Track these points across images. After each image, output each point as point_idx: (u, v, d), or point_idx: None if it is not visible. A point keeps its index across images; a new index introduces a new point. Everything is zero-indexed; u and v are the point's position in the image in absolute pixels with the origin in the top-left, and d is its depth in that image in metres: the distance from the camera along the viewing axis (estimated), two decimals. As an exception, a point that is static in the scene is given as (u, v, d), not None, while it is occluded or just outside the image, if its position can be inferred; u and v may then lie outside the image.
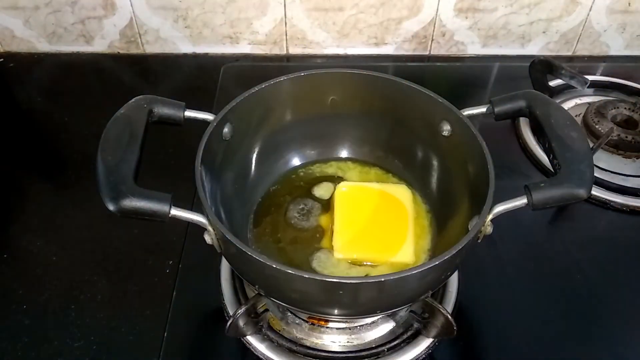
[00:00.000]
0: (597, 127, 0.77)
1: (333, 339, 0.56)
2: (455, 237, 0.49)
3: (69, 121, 0.82)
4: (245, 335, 0.54)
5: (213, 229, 0.46)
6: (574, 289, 0.62)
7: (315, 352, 0.55)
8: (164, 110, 0.52)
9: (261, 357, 0.54)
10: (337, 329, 0.56)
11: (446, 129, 0.58)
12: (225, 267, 0.60)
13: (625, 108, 0.81)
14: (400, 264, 0.57)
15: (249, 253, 0.43)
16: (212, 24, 0.91)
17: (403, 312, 0.55)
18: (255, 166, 0.63)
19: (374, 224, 0.61)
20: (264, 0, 0.87)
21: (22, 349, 0.55)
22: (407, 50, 0.96)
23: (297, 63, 0.94)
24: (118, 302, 0.59)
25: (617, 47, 0.97)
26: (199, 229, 0.46)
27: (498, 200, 0.47)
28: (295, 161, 0.67)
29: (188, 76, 0.92)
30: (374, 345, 0.55)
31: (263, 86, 0.58)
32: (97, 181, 0.44)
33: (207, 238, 0.47)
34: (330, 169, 0.67)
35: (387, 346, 0.55)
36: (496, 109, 0.54)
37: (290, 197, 0.64)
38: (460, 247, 0.44)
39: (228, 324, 0.50)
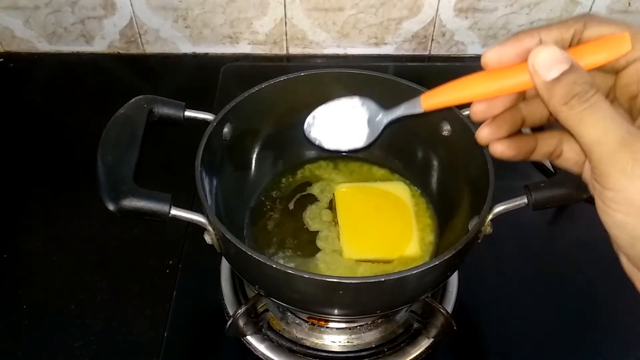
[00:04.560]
0: (597, 127, 0.77)
1: (333, 339, 0.56)
2: (455, 237, 0.49)
3: (69, 121, 0.82)
4: (245, 335, 0.54)
5: (213, 229, 0.46)
6: (574, 289, 0.62)
7: (315, 352, 0.55)
8: (164, 110, 0.52)
9: (261, 357, 0.54)
10: (337, 329, 0.56)
11: (446, 129, 0.58)
12: (225, 267, 0.60)
13: (625, 108, 0.80)
14: (408, 258, 0.57)
15: (249, 253, 0.43)
16: (212, 24, 0.91)
17: (403, 312, 0.55)
18: (255, 166, 0.63)
19: (377, 221, 0.61)
20: (264, 0, 0.87)
21: (22, 349, 0.55)
22: (407, 50, 0.96)
23: (297, 63, 0.94)
24: (118, 302, 0.59)
25: (617, 47, 0.97)
26: (199, 229, 0.47)
27: (498, 200, 0.47)
28: (296, 161, 0.67)
29: (188, 76, 0.92)
30: (374, 345, 0.55)
31: (263, 86, 0.58)
32: (97, 181, 0.44)
33: (207, 238, 0.47)
34: (332, 168, 0.67)
35: (387, 346, 0.55)
36: (496, 109, 0.54)
37: (291, 196, 0.64)
38: (460, 247, 0.44)
39: (228, 324, 0.50)
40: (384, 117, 0.41)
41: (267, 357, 0.54)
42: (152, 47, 0.93)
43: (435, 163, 0.62)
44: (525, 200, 0.46)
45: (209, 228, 0.46)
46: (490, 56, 0.32)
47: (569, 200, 0.47)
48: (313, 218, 0.62)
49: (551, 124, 0.35)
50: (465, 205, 0.55)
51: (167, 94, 0.54)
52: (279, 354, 0.54)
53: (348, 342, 0.56)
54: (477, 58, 0.32)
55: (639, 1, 0.90)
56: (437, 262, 0.43)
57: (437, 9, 0.90)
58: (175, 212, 0.45)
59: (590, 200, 0.74)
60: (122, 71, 0.92)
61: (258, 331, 0.55)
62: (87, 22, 0.90)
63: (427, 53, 0.96)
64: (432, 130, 0.59)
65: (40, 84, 0.89)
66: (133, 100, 0.52)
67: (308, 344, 0.55)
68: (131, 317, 0.58)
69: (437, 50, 0.96)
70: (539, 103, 0.34)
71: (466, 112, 0.55)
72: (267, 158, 0.64)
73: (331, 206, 0.63)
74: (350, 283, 0.43)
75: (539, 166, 0.76)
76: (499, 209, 0.47)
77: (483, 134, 0.34)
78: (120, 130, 0.48)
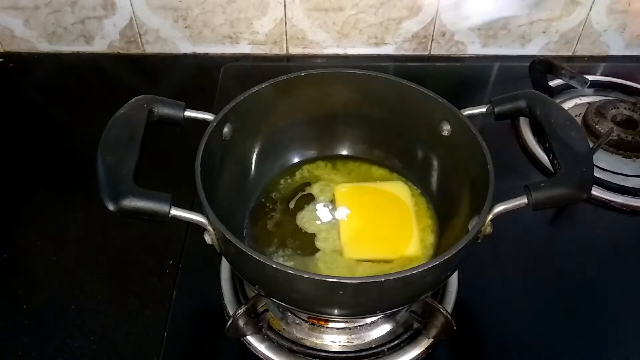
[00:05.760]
0: (597, 127, 0.77)
1: (333, 339, 0.56)
2: (455, 237, 0.49)
3: (69, 121, 0.82)
4: (245, 335, 0.54)
5: (213, 229, 0.46)
6: (574, 289, 0.62)
7: (315, 352, 0.55)
8: (164, 110, 0.52)
9: (261, 357, 0.54)
10: (337, 329, 0.56)
11: (446, 129, 0.58)
12: (225, 267, 0.60)
13: (625, 108, 0.81)
14: (408, 258, 0.57)
15: (249, 253, 0.43)
16: (212, 24, 0.91)
17: (403, 312, 0.55)
18: (255, 166, 0.63)
19: (377, 221, 0.61)
20: (264, 0, 0.87)
21: (22, 349, 0.55)
22: (407, 50, 0.96)
23: (297, 63, 0.94)
24: (118, 302, 0.59)
25: (617, 47, 0.97)
26: (199, 229, 0.46)
27: (498, 200, 0.47)
28: (295, 161, 0.67)
29: (188, 76, 0.92)
30: (374, 345, 0.55)
31: (263, 86, 0.58)
32: (97, 181, 0.44)
33: (207, 238, 0.47)
34: (331, 168, 0.67)
35: (387, 346, 0.55)
36: (496, 109, 0.54)
37: (291, 196, 0.64)
38: (460, 247, 0.44)
39: (228, 324, 0.50)
40: None
41: (267, 357, 0.54)
42: (152, 47, 0.93)
43: (435, 163, 0.62)
44: (525, 200, 0.46)
45: (209, 228, 0.46)
46: None
47: (569, 200, 0.47)
48: (315, 218, 0.62)
49: None
50: (465, 205, 0.55)
51: (167, 94, 0.54)
52: (279, 354, 0.54)
53: (348, 342, 0.56)
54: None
55: (639, 1, 0.90)
56: (437, 262, 0.43)
57: (437, 9, 0.90)
58: (175, 212, 0.45)
59: (591, 200, 0.74)
60: (122, 71, 0.92)
61: (258, 331, 0.55)
62: (87, 22, 0.90)
63: (427, 53, 0.96)
64: (432, 130, 0.59)
65: (40, 84, 0.89)
66: (133, 100, 0.52)
67: (308, 344, 0.55)
68: (131, 317, 0.58)
69: (437, 50, 0.96)
70: None
71: (466, 112, 0.55)
72: (267, 158, 0.64)
73: (332, 207, 0.63)
74: (350, 283, 0.43)
75: (539, 166, 0.76)
76: (499, 209, 0.47)
77: None
78: (120, 130, 0.48)
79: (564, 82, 0.84)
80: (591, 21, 0.93)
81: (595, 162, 0.50)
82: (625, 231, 0.69)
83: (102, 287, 0.60)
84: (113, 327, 0.57)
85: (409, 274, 0.42)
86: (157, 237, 0.65)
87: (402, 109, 0.61)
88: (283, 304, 0.51)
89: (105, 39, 0.92)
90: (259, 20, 0.90)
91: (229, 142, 0.56)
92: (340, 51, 0.95)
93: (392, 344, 0.55)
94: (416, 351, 0.54)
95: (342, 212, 0.61)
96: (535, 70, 0.85)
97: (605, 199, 0.70)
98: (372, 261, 0.57)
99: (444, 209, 0.61)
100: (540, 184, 0.46)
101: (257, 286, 0.49)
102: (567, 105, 0.85)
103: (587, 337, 0.58)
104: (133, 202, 0.43)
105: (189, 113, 0.53)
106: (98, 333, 0.56)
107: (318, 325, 0.56)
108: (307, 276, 0.42)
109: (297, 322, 0.56)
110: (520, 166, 0.76)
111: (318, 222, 0.61)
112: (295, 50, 0.95)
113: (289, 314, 0.56)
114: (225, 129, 0.56)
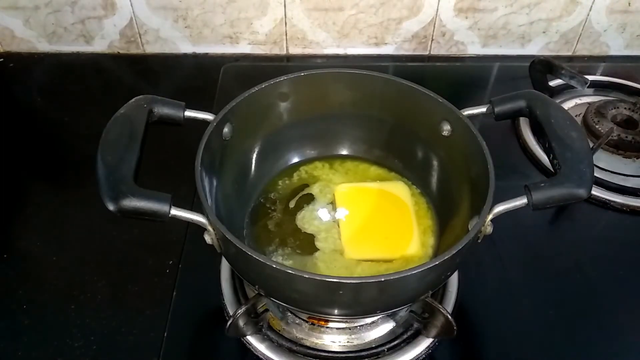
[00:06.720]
0: (597, 127, 0.77)
1: (333, 339, 0.56)
2: (455, 237, 0.49)
3: (69, 121, 0.82)
4: (245, 335, 0.54)
5: (213, 229, 0.46)
6: (574, 289, 0.62)
7: (315, 352, 0.55)
8: (164, 110, 0.52)
9: (261, 357, 0.54)
10: (337, 329, 0.56)
11: (446, 129, 0.58)
12: (225, 267, 0.60)
13: (625, 108, 0.81)
14: (409, 258, 0.57)
15: (249, 253, 0.43)
16: (212, 24, 0.91)
17: (403, 312, 0.55)
18: (255, 166, 0.63)
19: (378, 222, 0.61)
20: (264, 0, 0.87)
21: (22, 349, 0.55)
22: (407, 50, 0.96)
23: (297, 63, 0.94)
24: (118, 302, 0.59)
25: (617, 47, 0.97)
26: (199, 229, 0.46)
27: (498, 200, 0.47)
28: (295, 161, 0.67)
29: (188, 76, 0.92)
30: (374, 345, 0.55)
31: (263, 86, 0.58)
32: (97, 181, 0.44)
33: (207, 238, 0.47)
34: (331, 168, 0.67)
35: (387, 346, 0.55)
36: (496, 109, 0.54)
37: (291, 196, 0.64)
38: (460, 247, 0.44)
39: (228, 324, 0.50)
40: None
41: (267, 357, 0.54)
42: (152, 47, 0.94)
43: (435, 163, 0.62)
44: (525, 200, 0.46)
45: (209, 228, 0.46)
46: None
47: (569, 200, 0.47)
48: (315, 218, 0.62)
49: None
50: (465, 205, 0.55)
51: (167, 94, 0.54)
52: (279, 354, 0.54)
53: (348, 342, 0.56)
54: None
55: (639, 1, 0.90)
56: (437, 262, 0.43)
57: (437, 9, 0.90)
58: (175, 212, 0.45)
59: (591, 200, 0.74)
60: (122, 71, 0.92)
61: (258, 331, 0.55)
62: (87, 22, 0.90)
63: (427, 53, 0.96)
64: (432, 130, 0.59)
65: (40, 84, 0.89)
66: (133, 100, 0.52)
67: (308, 344, 0.55)
68: (131, 317, 0.58)
69: (437, 50, 0.96)
70: None
71: (466, 112, 0.55)
72: (267, 158, 0.64)
73: (333, 207, 0.63)
74: (351, 283, 0.42)
75: (539, 166, 0.76)
76: (499, 209, 0.47)
77: None
78: (120, 130, 0.48)
79: (564, 82, 0.84)
80: (591, 21, 0.93)
81: (595, 162, 0.50)
82: (625, 231, 0.69)
83: (102, 287, 0.60)
84: (113, 327, 0.57)
85: (409, 274, 0.42)
86: (157, 237, 0.65)
87: (401, 109, 0.61)
88: (283, 304, 0.51)
89: (105, 39, 0.92)
90: (259, 20, 0.90)
91: (229, 142, 0.57)
92: (340, 51, 0.95)
93: (392, 344, 0.55)
94: (416, 351, 0.54)
95: (342, 212, 0.61)
96: (535, 70, 0.85)
97: (605, 199, 0.70)
98: (372, 261, 0.58)
99: (444, 209, 0.61)
100: (540, 184, 0.46)
101: (257, 286, 0.49)
102: (567, 105, 0.85)
103: (587, 336, 0.58)
104: (133, 202, 0.43)
105: (189, 113, 0.53)
106: (98, 333, 0.56)
107: (318, 325, 0.56)
108: (306, 276, 0.42)
109: (297, 322, 0.56)
110: (520, 166, 0.76)
111: (318, 222, 0.61)
112: (295, 50, 0.95)
113: (289, 314, 0.56)
114: (225, 129, 0.56)
